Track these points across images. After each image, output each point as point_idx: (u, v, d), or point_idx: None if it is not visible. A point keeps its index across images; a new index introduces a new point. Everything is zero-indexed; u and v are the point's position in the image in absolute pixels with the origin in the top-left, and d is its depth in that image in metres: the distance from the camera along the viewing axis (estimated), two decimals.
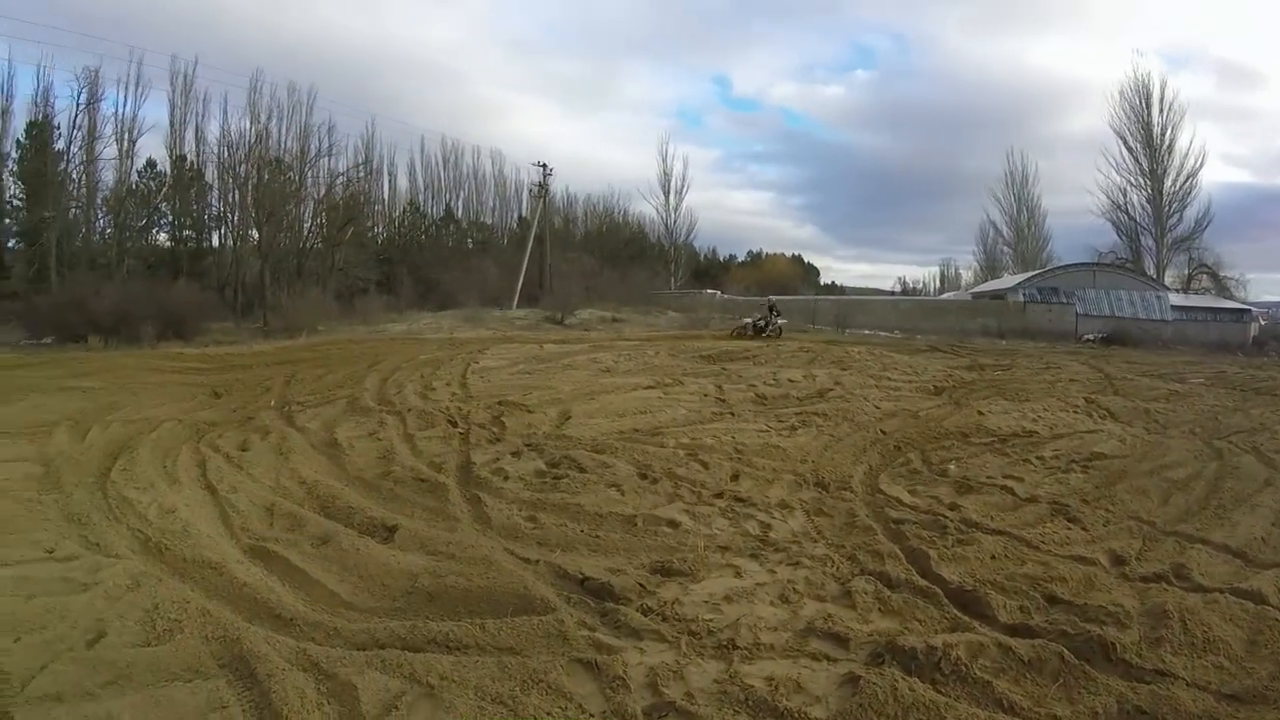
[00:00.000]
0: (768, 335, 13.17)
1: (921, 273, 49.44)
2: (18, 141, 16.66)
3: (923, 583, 2.35)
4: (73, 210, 16.85)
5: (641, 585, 2.34)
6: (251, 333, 12.95)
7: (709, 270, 30.79)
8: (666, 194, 28.59)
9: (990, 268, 28.06)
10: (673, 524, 2.90)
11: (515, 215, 27.47)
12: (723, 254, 33.57)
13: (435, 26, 40.71)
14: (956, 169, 37.78)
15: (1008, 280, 21.38)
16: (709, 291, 24.26)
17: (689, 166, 29.89)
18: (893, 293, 31.94)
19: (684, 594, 2.29)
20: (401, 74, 36.77)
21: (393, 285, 19.52)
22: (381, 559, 2.57)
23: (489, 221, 26.86)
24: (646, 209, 29.54)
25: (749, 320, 14.04)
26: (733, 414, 5.07)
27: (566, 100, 44.63)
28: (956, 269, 32.29)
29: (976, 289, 23.29)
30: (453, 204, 25.67)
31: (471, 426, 4.57)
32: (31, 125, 16.68)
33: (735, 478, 3.53)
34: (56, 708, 1.60)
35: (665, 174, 28.51)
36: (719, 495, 3.28)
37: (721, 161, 47.98)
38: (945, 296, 26.30)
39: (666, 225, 28.96)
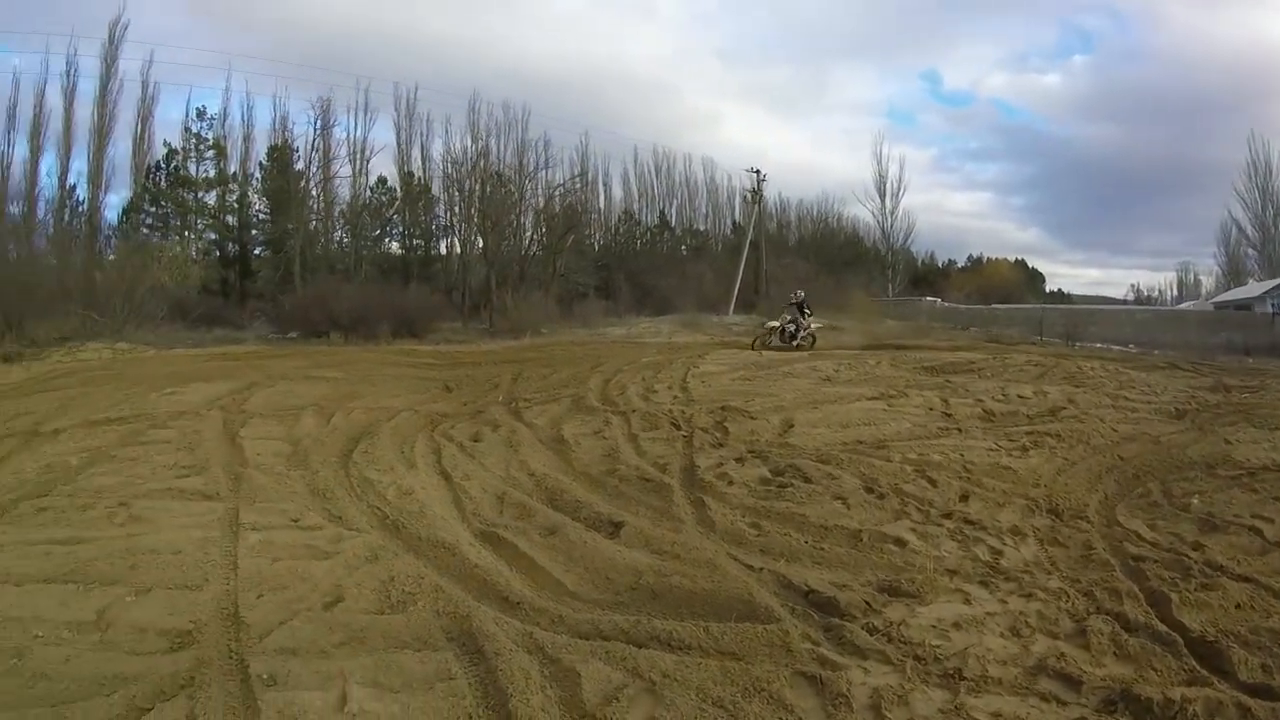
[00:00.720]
0: (798, 345, 18.21)
1: (1157, 279, 63.52)
2: (260, 163, 32.55)
3: (1162, 628, 3.41)
4: (313, 222, 30.85)
5: (867, 603, 3.61)
6: (478, 333, 21.00)
7: (927, 276, 47.12)
8: (882, 196, 44.37)
9: (1234, 273, 39.63)
10: (899, 542, 4.44)
11: (728, 221, 44.46)
12: (941, 259, 50.79)
13: (642, 42, 62.33)
14: (1193, 160, 55.22)
15: (1254, 288, 32.28)
16: (928, 299, 37.33)
17: (905, 167, 44.64)
18: (1125, 301, 48.18)
19: (911, 616, 3.52)
20: (613, 89, 57.68)
21: (611, 290, 33.00)
22: (607, 553, 4.18)
23: (702, 228, 43.79)
24: (861, 213, 45.82)
25: (775, 324, 18.98)
26: (960, 430, 7.60)
27: (776, 106, 68.01)
28: (1195, 275, 46.86)
29: (1218, 298, 35.70)
30: (666, 211, 42.16)
31: (695, 430, 7.21)
32: (272, 149, 32.19)
33: (964, 498, 5.30)
34: (291, 660, 3.14)
35: (880, 176, 44.21)
36: (947, 515, 4.95)
37: (937, 161, 71.01)
38: (1184, 306, 39.14)
39: (883, 229, 44.97)
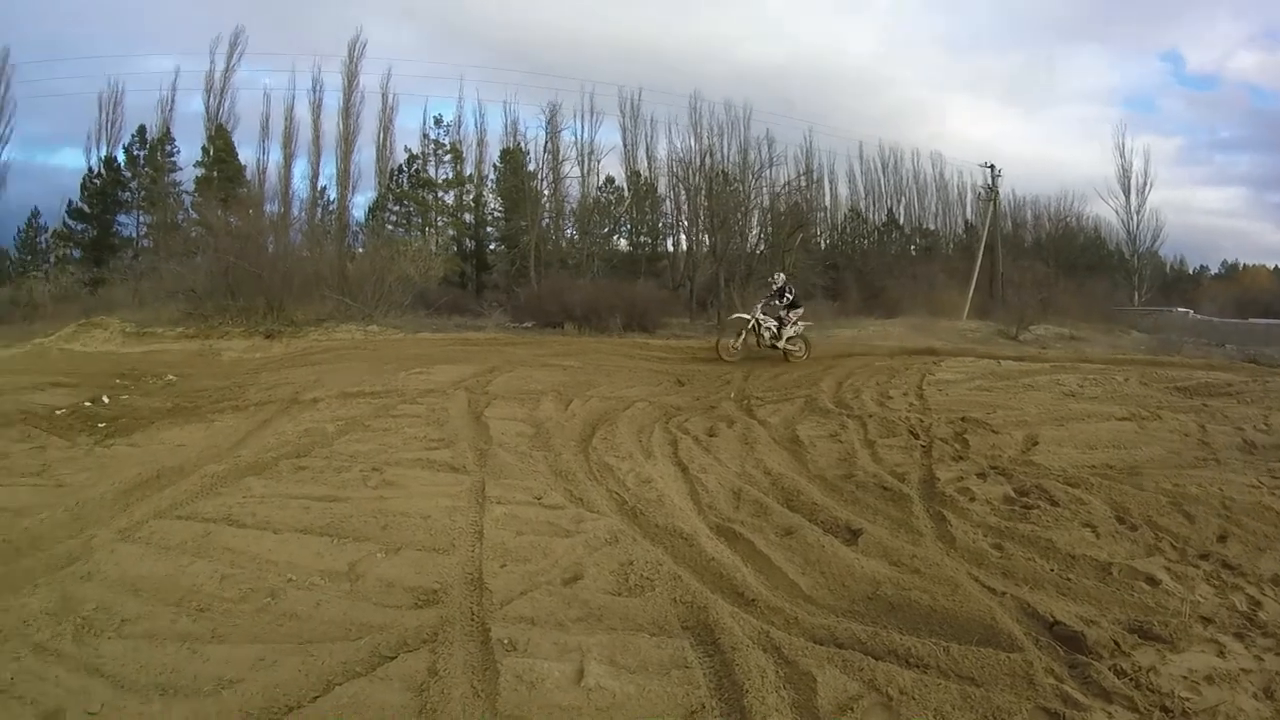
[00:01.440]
0: (784, 351, 14.39)
1: None
2: (494, 165, 36.05)
3: None
4: (545, 220, 33.58)
5: (1116, 643, 3.52)
6: (706, 329, 21.25)
7: (1176, 283, 43.19)
8: (1126, 193, 40.87)
9: None
10: (1152, 580, 4.24)
11: (959, 220, 42.26)
12: (1192, 264, 46.54)
13: (858, 33, 57.35)
14: None
15: None
16: (1179, 310, 33.08)
17: (1150, 161, 40.34)
18: None
19: (1161, 662, 3.40)
20: (831, 83, 53.88)
21: (838, 291, 32.35)
22: (844, 560, 4.17)
23: (932, 227, 41.77)
24: (1104, 211, 42.26)
25: (747, 317, 14.90)
26: (1217, 461, 7.05)
27: (1003, 97, 60.84)
28: None
29: None
30: (894, 209, 40.62)
31: (934, 440, 7.09)
32: (505, 152, 35.52)
33: (1222, 538, 5.00)
34: (531, 630, 3.36)
35: (1124, 170, 40.49)
36: (1204, 556, 4.70)
37: (1184, 152, 59.81)
38: None
39: (1127, 230, 41.25)
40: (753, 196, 33.94)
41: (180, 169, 37.00)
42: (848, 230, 40.48)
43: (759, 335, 14.85)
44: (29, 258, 36.62)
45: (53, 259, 36.22)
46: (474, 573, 3.88)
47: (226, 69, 37.88)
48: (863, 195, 40.50)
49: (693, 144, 34.32)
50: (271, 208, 33.90)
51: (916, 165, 41.29)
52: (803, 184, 36.14)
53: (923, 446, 6.82)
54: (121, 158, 37.09)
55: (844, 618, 3.60)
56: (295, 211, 35.41)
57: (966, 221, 42.04)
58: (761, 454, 6.34)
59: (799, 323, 15.13)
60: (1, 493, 6.04)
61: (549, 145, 34.73)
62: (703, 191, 32.83)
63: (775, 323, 14.86)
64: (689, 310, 27.01)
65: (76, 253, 35.92)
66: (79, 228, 36.26)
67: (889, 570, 4.09)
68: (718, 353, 14.93)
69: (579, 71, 55.08)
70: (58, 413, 9.11)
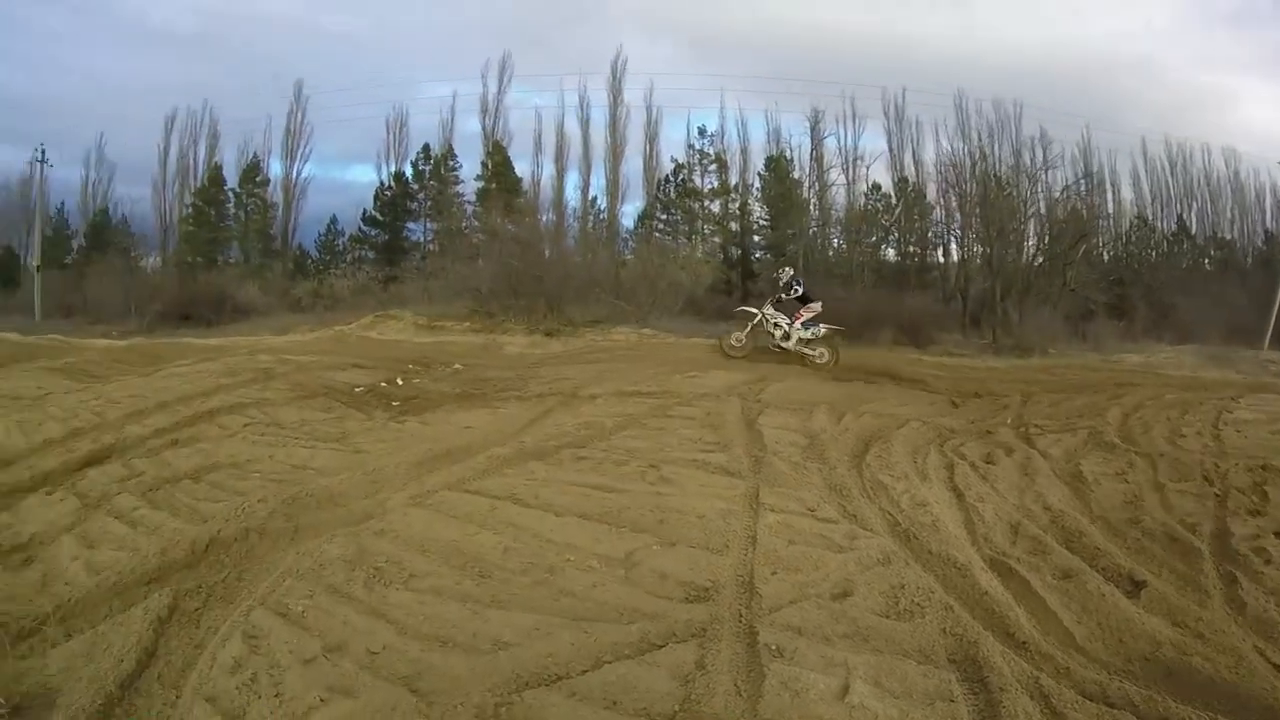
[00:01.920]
0: (801, 352, 13.59)
1: None
2: (759, 174, 36.40)
3: None
4: (812, 228, 33.59)
5: None
6: (980, 347, 20.22)
7: None
8: None
9: None
10: None
11: (1259, 228, 36.37)
12: None
13: (1132, 15, 51.78)
14: None
15: None
16: None
17: None
18: None
19: None
20: (1109, 74, 47.97)
21: (1124, 309, 28.27)
22: (1124, 613, 3.89)
23: (1228, 236, 36.18)
24: None
25: (754, 311, 14.22)
26: None
27: None
28: None
29: None
30: (1184, 216, 35.90)
31: (1230, 489, 6.25)
32: (769, 160, 35.94)
33: None
34: (797, 639, 3.39)
35: None
36: None
37: None
38: None
39: None
40: (1028, 203, 30.95)
41: (462, 182, 42.00)
42: (1133, 240, 36.34)
43: (769, 333, 14.17)
44: (328, 258, 42.59)
45: (349, 259, 41.66)
46: (745, 576, 3.97)
47: (499, 91, 42.48)
48: (1149, 200, 36.30)
49: (961, 146, 32.94)
50: (546, 217, 36.84)
51: (1208, 164, 36.36)
52: (1082, 189, 32.82)
53: (1217, 495, 6.18)
54: (409, 172, 42.43)
55: (1118, 676, 3.39)
56: (568, 220, 38.50)
57: (1266, 230, 36.50)
58: (1041, 487, 6.03)
59: (820, 324, 14.07)
60: (306, 453, 7.01)
61: (814, 152, 34.61)
62: (976, 198, 30.66)
63: (786, 320, 14.10)
64: (961, 326, 25.72)
65: (370, 254, 41.21)
66: (372, 233, 41.92)
67: (1170, 631, 3.79)
68: (721, 349, 14.45)
69: (838, 74, 53.70)
70: (356, 390, 10.21)
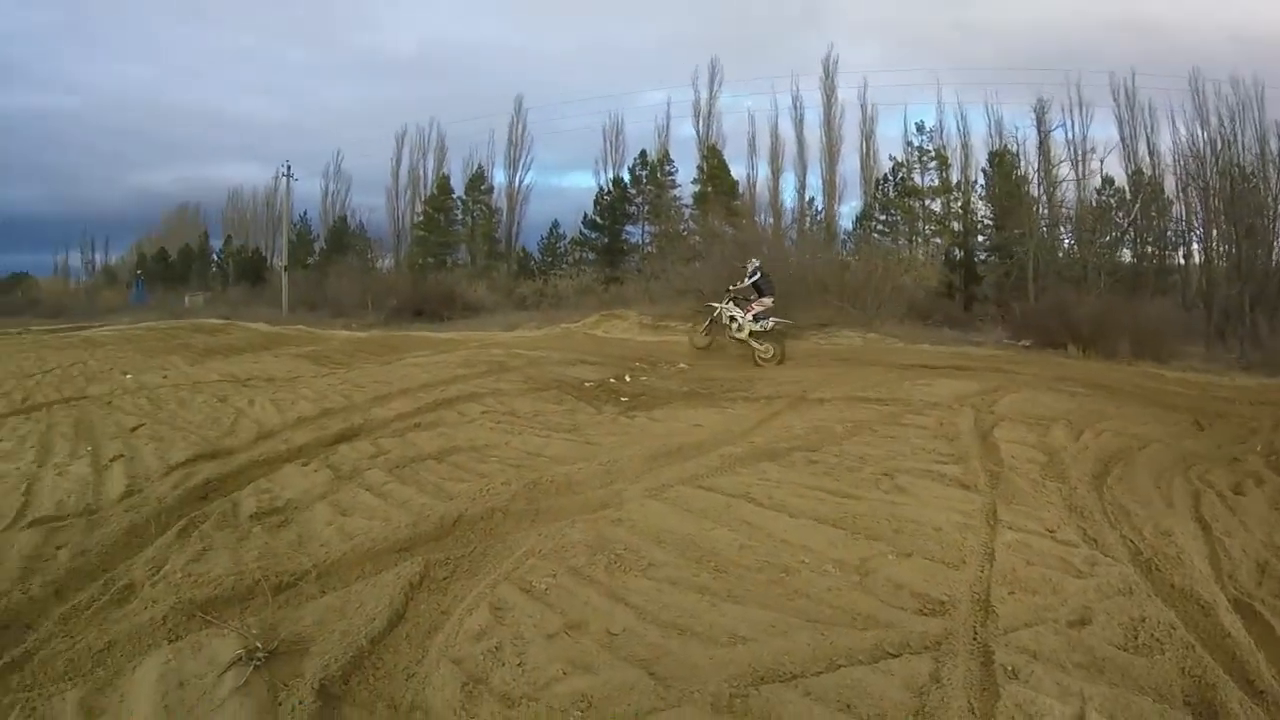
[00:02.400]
0: (752, 345, 14.03)
1: None
2: (982, 170, 34.52)
3: None
4: (1040, 228, 30.85)
5: None
6: (1228, 363, 18.27)
7: None
8: None
9: None
10: None
11: None
12: None
13: None
14: None
15: None
16: None
17: None
18: None
19: None
20: None
21: None
22: None
23: None
24: None
25: (715, 305, 14.98)
26: None
27: None
28: None
29: None
30: None
31: None
32: (992, 155, 33.82)
33: None
34: (1032, 662, 3.32)
35: None
36: None
37: None
38: None
39: None
40: (1279, 198, 27.94)
41: (678, 186, 43.20)
42: None
43: (724, 325, 14.57)
44: (550, 260, 44.87)
45: (570, 261, 43.70)
46: (981, 593, 3.95)
47: (710, 96, 43.31)
48: None
49: (1200, 133, 29.66)
50: (763, 218, 37.32)
51: None
52: None
53: None
54: (627, 177, 44.01)
55: None
56: (786, 222, 38.48)
57: None
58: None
59: (768, 318, 14.30)
60: (540, 441, 7.44)
61: (1040, 145, 32.44)
62: (1219, 192, 28.33)
63: (739, 312, 14.32)
64: (1205, 337, 23.01)
65: (591, 256, 42.94)
66: (592, 235, 43.76)
67: None
68: (692, 345, 15.10)
69: (1061, 58, 49.60)
70: (585, 385, 10.76)
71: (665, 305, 22.73)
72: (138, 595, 4.16)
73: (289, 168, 49.22)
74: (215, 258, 66.40)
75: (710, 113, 43.06)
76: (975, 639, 3.47)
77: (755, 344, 14.15)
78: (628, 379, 11.36)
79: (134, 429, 8.73)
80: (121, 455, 7.40)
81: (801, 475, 5.86)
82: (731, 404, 9.34)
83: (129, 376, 14.11)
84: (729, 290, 15.30)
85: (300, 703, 3.07)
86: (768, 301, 14.67)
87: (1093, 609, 3.87)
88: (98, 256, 75.90)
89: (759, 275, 15.05)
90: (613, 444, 7.18)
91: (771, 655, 3.29)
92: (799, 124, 40.54)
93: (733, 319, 14.56)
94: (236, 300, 49.79)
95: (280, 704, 3.07)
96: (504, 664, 3.31)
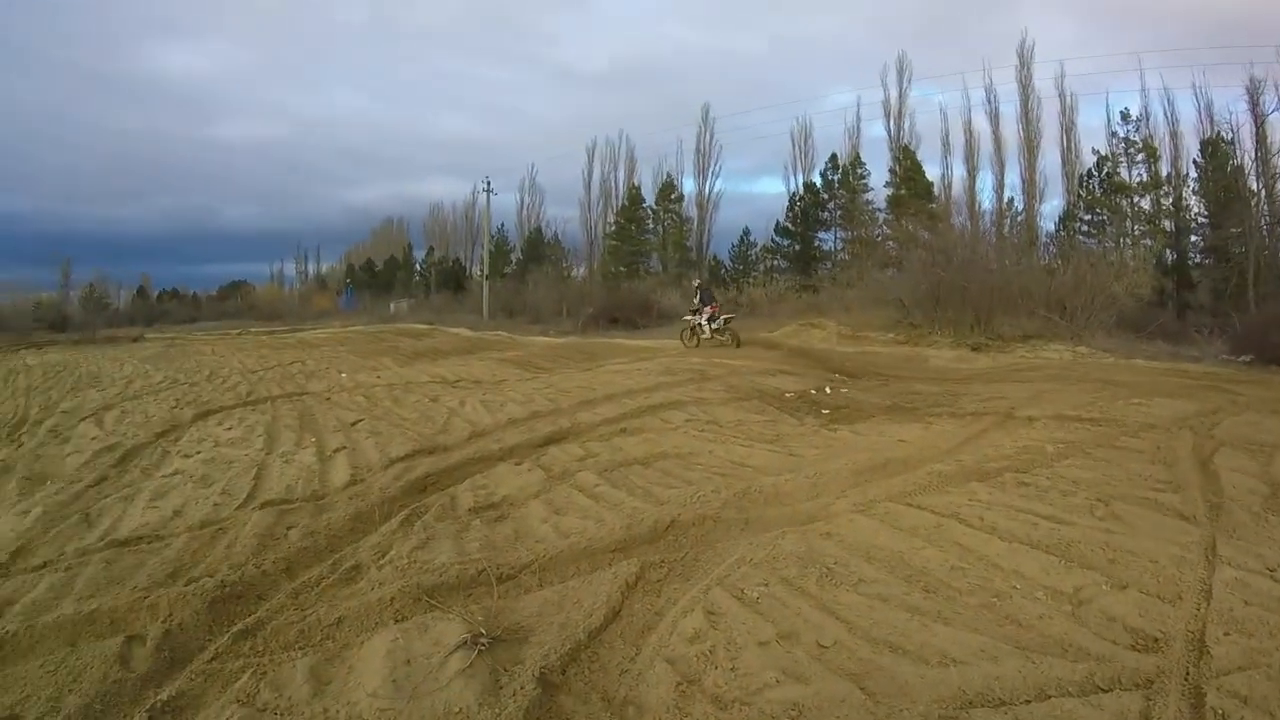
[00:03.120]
0: (715, 336, 20.71)
1: None
2: (1194, 161, 31.85)
3: None
4: (1262, 225, 28.43)
5: None
6: None
7: None
8: None
9: None
10: None
11: None
12: None
13: None
14: None
15: None
16: None
17: None
18: None
19: None
20: None
21: None
22: None
23: None
24: None
25: (690, 319, 22.00)
26: None
27: None
28: None
29: None
30: None
31: None
32: (1204, 144, 31.08)
33: None
34: (1243, 708, 3.12)
35: None
36: None
37: None
38: None
39: None
40: None
41: (871, 189, 42.95)
42: None
43: (694, 330, 21.30)
44: (741, 267, 45.05)
45: (762, 268, 43.71)
46: (1196, 632, 3.83)
47: (899, 93, 43.07)
48: None
49: None
50: (960, 220, 35.20)
51: None
52: None
53: None
54: (818, 182, 44.39)
55: None
56: (985, 225, 36.47)
57: None
58: None
59: (720, 317, 20.85)
60: (744, 451, 7.67)
61: (1256, 132, 29.68)
62: None
63: (702, 319, 21.06)
64: None
65: (783, 263, 42.86)
66: (784, 243, 43.53)
67: None
68: (684, 343, 21.03)
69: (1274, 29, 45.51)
70: (786, 395, 10.98)
71: (862, 314, 22.40)
72: (365, 576, 4.68)
73: (488, 183, 52.13)
74: (418, 267, 70.86)
75: (901, 111, 42.34)
76: (1187, 679, 3.40)
77: (719, 336, 20.55)
78: (828, 390, 11.47)
79: (353, 424, 9.63)
80: (344, 447, 8.20)
81: (1012, 497, 5.80)
82: (936, 419, 9.25)
83: (344, 375, 15.45)
84: (691, 309, 22.02)
85: (521, 688, 3.30)
86: (709, 309, 21.18)
87: None
88: (310, 266, 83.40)
89: (701, 293, 21.97)
90: (816, 456, 7.31)
91: (981, 679, 3.32)
92: (994, 118, 39.30)
93: (700, 326, 21.16)
94: (439, 307, 53.01)
95: (502, 688, 3.32)
96: (717, 667, 3.44)
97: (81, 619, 4.18)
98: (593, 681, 3.44)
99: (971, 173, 39.71)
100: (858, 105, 44.07)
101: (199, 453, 8.38)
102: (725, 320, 20.76)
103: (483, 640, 3.70)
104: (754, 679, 3.34)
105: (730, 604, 4.04)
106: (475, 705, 3.20)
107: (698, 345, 20.84)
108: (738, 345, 19.90)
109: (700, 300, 21.51)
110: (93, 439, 9.46)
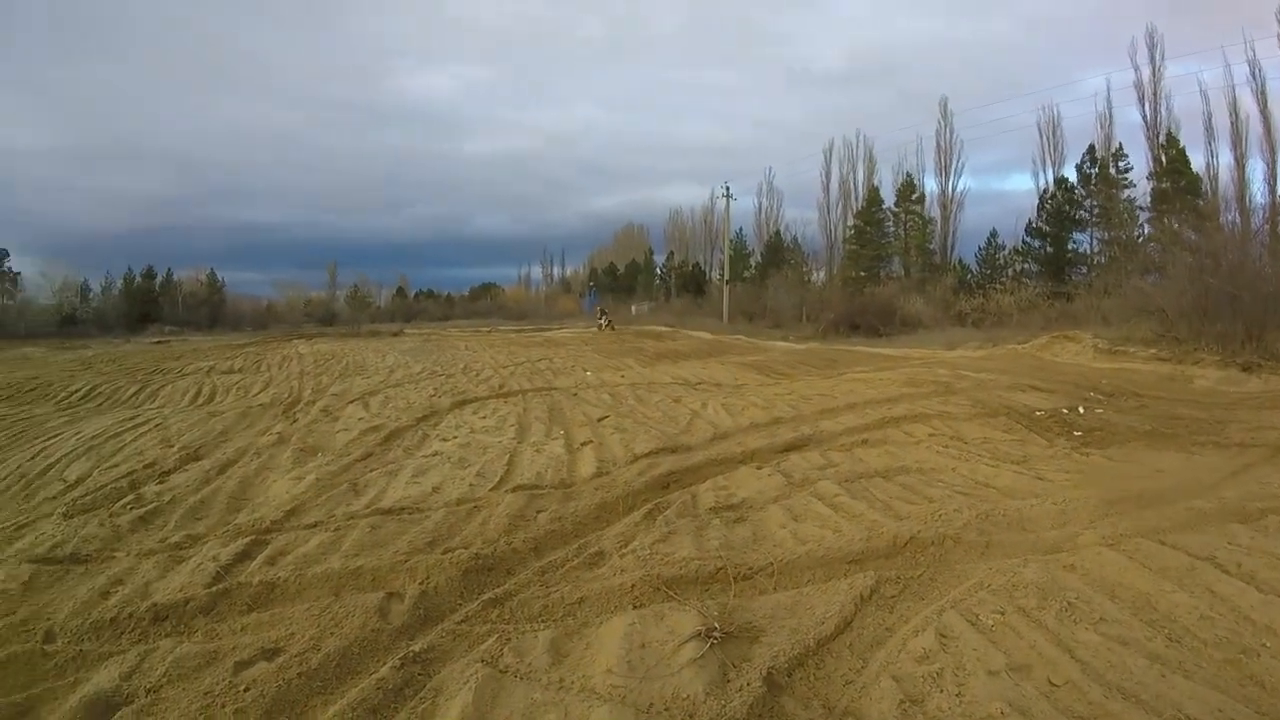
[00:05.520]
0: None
1: None
2: None
3: None
4: None
5: None
6: None
7: None
8: None
9: None
10: None
11: None
12: None
13: None
14: None
15: None
16: None
17: None
18: None
19: None
20: None
21: None
22: None
23: None
24: None
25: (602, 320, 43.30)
26: None
27: None
28: None
29: None
30: None
31: None
32: None
33: None
34: None
35: None
36: None
37: None
38: None
39: None
40: None
41: (1133, 184, 38.96)
42: None
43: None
44: (989, 271, 43.00)
45: (1010, 273, 41.24)
46: None
47: (1153, 73, 38.60)
48: None
49: None
50: (1230, 217, 31.49)
51: None
52: None
53: None
54: (1073, 176, 41.41)
55: None
56: (1257, 221, 30.83)
57: None
58: None
59: (608, 319, 43.22)
60: (989, 470, 7.57)
61: None
62: None
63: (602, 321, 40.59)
64: None
65: (1033, 267, 40.06)
66: (1035, 244, 40.77)
67: None
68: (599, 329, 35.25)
69: None
70: (1036, 414, 10.63)
71: (1122, 326, 20.64)
72: (607, 563, 5.10)
73: (727, 188, 53.04)
74: (658, 271, 72.79)
75: (1156, 92, 38.00)
76: None
77: (610, 330, 30.82)
78: (1082, 411, 10.96)
79: (600, 419, 10.27)
80: (591, 441, 8.81)
81: (1275, 543, 5.32)
82: (1200, 449, 8.67)
83: (589, 374, 16.31)
84: (597, 318, 40.66)
85: (747, 684, 3.42)
86: (606, 318, 43.30)
87: None
88: (555, 269, 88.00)
89: (602, 312, 43.06)
90: (1065, 482, 7.10)
91: None
92: (1261, 96, 34.65)
93: (601, 325, 38.49)
94: (679, 310, 54.38)
95: (729, 682, 3.47)
96: (943, 690, 3.45)
97: (347, 574, 4.89)
98: (816, 688, 3.54)
99: (1240, 160, 35.14)
100: (1108, 89, 40.25)
101: (456, 437, 9.27)
102: (609, 321, 43.66)
103: (716, 634, 3.89)
104: (979, 707, 3.33)
105: (963, 628, 4.04)
106: (703, 694, 3.37)
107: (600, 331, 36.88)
108: (613, 329, 37.76)
109: (601, 313, 44.02)
110: (359, 419, 10.65)
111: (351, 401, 12.38)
